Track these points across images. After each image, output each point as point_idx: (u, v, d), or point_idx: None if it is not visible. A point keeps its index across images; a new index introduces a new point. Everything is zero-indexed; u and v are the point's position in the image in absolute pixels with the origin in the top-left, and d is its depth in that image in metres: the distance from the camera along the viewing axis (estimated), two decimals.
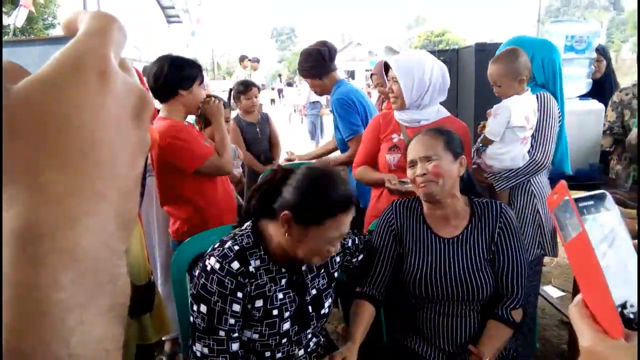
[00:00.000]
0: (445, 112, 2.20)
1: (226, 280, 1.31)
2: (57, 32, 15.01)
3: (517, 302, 1.65)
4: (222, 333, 1.32)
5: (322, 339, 1.68)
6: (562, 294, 3.27)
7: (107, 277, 0.25)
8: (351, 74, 27.00)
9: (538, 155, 2.11)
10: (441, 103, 2.23)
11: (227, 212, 2.28)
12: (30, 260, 0.22)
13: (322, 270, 1.55)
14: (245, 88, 3.41)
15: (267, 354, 1.46)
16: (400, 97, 2.09)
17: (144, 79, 2.21)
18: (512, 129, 2.05)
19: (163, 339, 2.56)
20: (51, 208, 0.22)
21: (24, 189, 0.22)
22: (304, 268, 1.49)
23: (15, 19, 7.81)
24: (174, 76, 2.10)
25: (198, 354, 1.33)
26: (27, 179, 0.22)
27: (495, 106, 2.11)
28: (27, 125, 0.23)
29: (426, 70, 2.08)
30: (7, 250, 0.21)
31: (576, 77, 2.82)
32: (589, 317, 0.47)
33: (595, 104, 2.83)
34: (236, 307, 1.33)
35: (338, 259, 1.62)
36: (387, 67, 2.21)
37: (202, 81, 2.20)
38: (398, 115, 2.20)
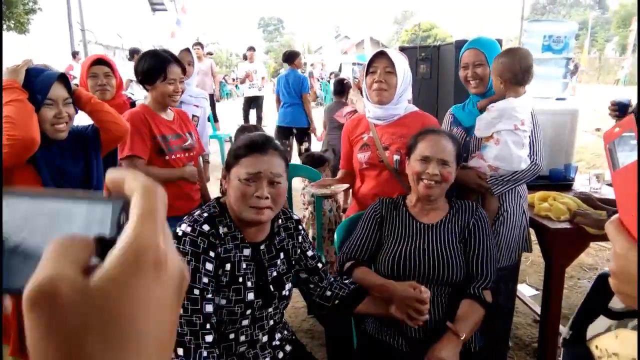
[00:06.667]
0: (413, 107, 2.27)
1: (199, 240, 1.40)
2: (38, 18, 14.50)
3: (487, 283, 1.73)
4: (196, 292, 1.37)
5: (286, 333, 1.69)
6: (536, 292, 3.30)
7: None
8: (338, 67, 26.86)
9: (537, 159, 2.10)
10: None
11: (179, 197, 2.35)
12: None
13: (282, 255, 1.61)
14: None
15: (231, 335, 1.49)
16: (394, 88, 2.14)
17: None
18: (522, 131, 2.00)
19: None
20: None
21: None
22: (262, 247, 1.55)
23: None
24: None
25: None
26: None
27: (496, 105, 2.06)
28: (103, 322, 0.29)
29: (408, 67, 2.22)
30: None
31: (552, 78, 2.82)
32: (626, 232, 0.55)
33: (570, 104, 2.84)
34: (209, 266, 1.41)
35: (299, 251, 1.66)
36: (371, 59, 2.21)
37: (165, 78, 2.29)
38: (371, 113, 2.21)
